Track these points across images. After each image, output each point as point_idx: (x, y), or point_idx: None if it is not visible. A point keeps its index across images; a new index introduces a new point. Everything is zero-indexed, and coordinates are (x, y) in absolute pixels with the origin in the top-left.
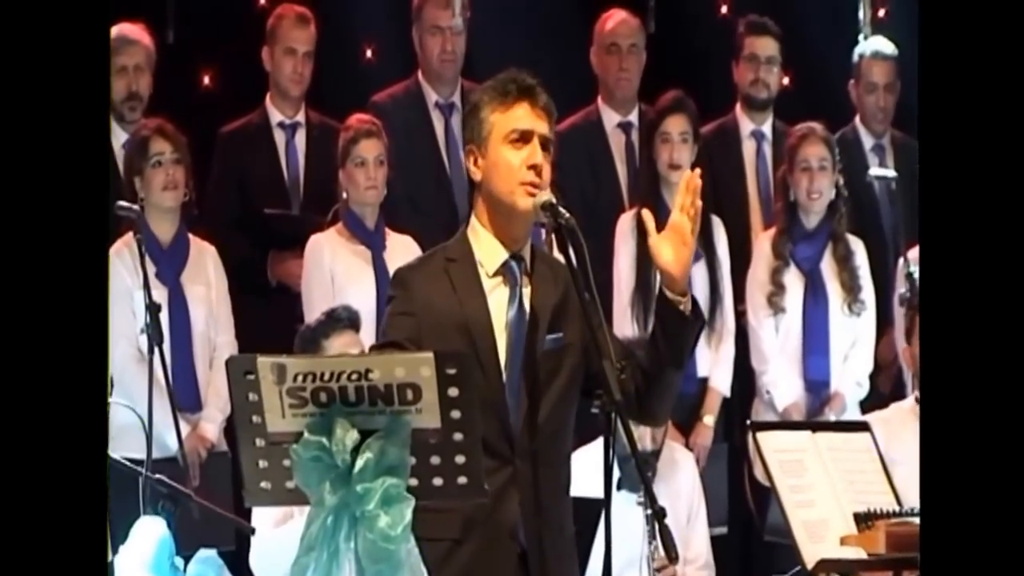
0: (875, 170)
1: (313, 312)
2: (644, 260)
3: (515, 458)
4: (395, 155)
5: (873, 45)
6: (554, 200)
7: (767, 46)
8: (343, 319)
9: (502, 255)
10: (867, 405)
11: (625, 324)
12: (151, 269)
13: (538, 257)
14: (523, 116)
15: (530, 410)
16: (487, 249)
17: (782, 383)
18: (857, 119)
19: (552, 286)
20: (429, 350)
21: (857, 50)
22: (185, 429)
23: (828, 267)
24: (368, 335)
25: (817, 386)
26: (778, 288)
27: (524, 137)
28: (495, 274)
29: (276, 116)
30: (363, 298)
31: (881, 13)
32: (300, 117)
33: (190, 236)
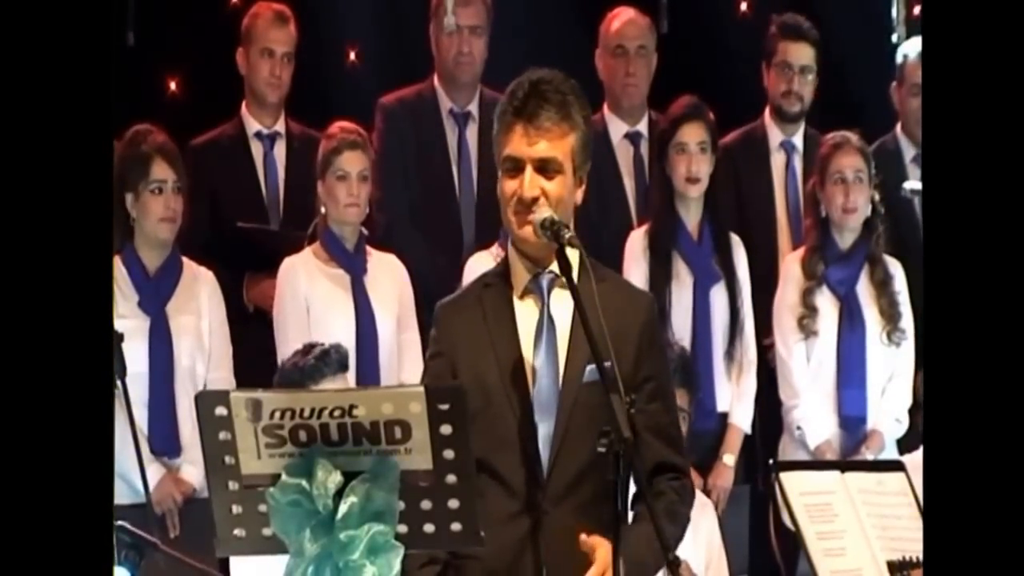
0: (911, 183)
1: (287, 345)
2: (658, 283)
3: (544, 503)
4: (399, 165)
5: (919, 45)
6: (555, 217)
7: (802, 54)
8: (333, 363)
9: (528, 273)
10: (905, 443)
11: None
12: (134, 298)
13: (593, 278)
14: (514, 141)
15: (563, 449)
16: (517, 270)
17: (814, 418)
18: (899, 127)
19: (602, 309)
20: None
21: (901, 51)
22: (159, 473)
23: (865, 292)
24: (352, 374)
25: (853, 423)
26: (809, 311)
27: (517, 166)
28: (524, 295)
29: (253, 126)
30: (343, 331)
31: (916, 11)
32: (279, 126)
33: (184, 260)
